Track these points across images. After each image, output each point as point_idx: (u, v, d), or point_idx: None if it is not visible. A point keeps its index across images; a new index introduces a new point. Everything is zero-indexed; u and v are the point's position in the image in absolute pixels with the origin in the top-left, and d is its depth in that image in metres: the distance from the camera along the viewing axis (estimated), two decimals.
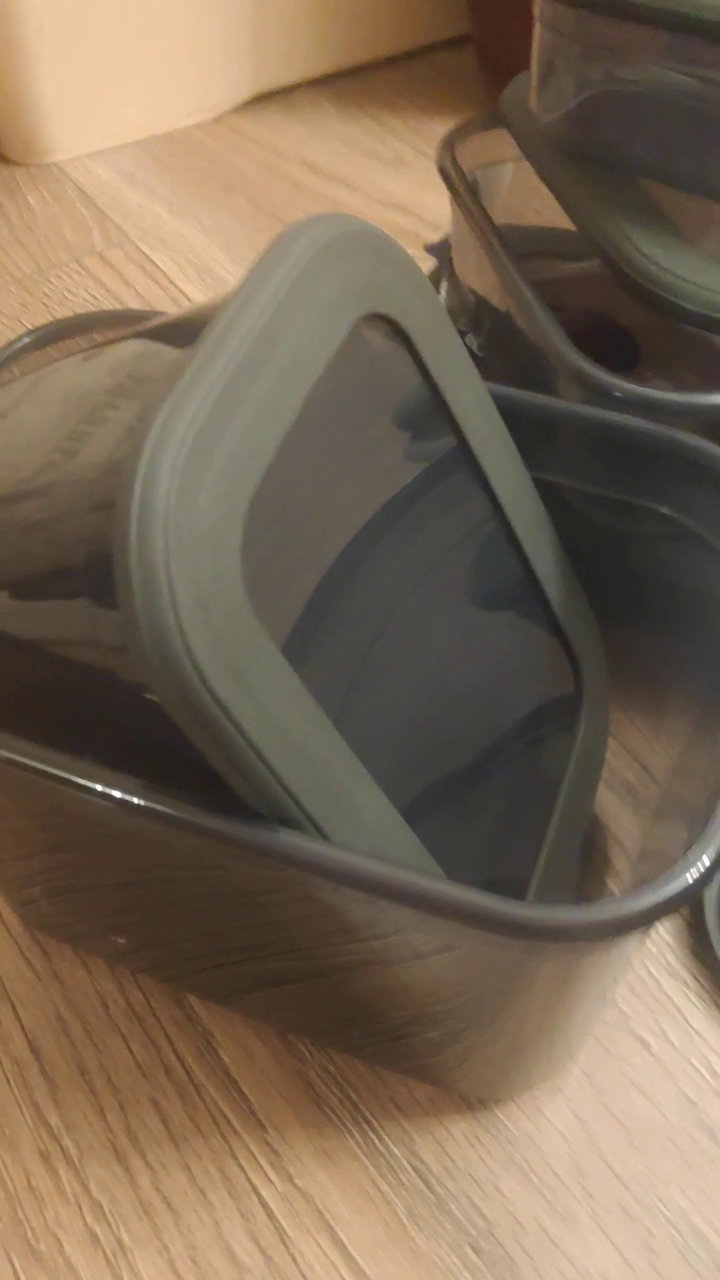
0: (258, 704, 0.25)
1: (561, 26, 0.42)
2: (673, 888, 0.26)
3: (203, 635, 0.24)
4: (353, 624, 0.31)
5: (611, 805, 0.45)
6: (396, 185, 0.80)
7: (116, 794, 0.28)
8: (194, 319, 0.34)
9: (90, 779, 0.28)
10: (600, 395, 0.38)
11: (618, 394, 0.38)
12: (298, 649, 0.28)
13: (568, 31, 0.41)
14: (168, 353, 0.33)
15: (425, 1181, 0.37)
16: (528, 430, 0.38)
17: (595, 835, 0.45)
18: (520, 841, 0.37)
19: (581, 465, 0.39)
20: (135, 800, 0.28)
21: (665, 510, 0.37)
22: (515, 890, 0.37)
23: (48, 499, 0.30)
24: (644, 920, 0.26)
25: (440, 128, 0.85)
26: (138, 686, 0.28)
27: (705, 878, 0.26)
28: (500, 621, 0.37)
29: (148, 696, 0.27)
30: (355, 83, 0.91)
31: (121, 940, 0.41)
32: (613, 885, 0.43)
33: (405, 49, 0.93)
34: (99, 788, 0.28)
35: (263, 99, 0.90)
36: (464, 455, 0.35)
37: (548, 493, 0.39)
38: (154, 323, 0.36)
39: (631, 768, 0.46)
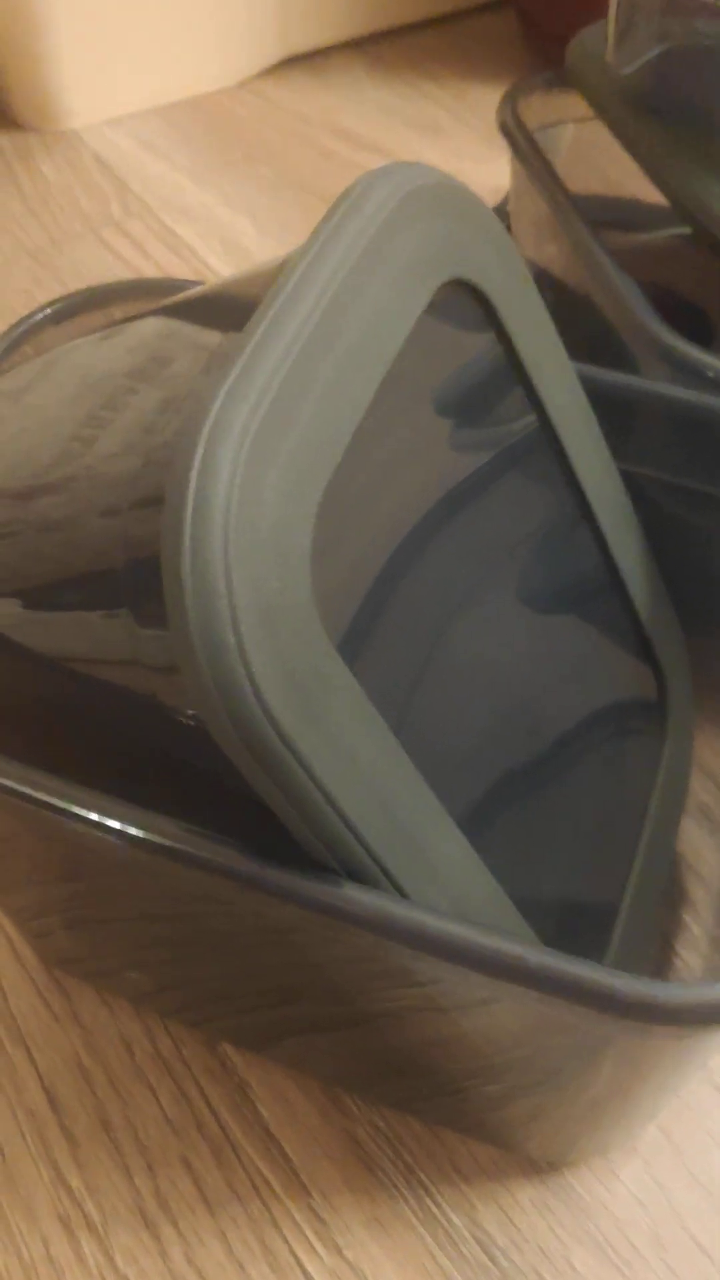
0: (329, 740, 0.21)
1: None
2: None
3: (267, 658, 0.20)
4: (420, 635, 0.27)
5: (687, 831, 0.41)
6: (434, 153, 0.75)
7: (157, 840, 0.24)
8: (239, 287, 0.30)
9: (123, 820, 0.24)
10: (691, 374, 0.34)
11: (710, 374, 0.33)
12: (362, 669, 0.24)
13: None
14: (198, 331, 0.29)
15: (489, 1254, 0.33)
16: (608, 414, 0.34)
17: (672, 867, 0.41)
18: (601, 877, 0.33)
19: (665, 452, 0.35)
20: (178, 846, 0.24)
21: None
22: (597, 932, 0.33)
23: (67, 494, 0.27)
24: None
25: (480, 94, 0.81)
26: (182, 713, 0.24)
27: None
28: (578, 625, 0.33)
29: (194, 724, 0.23)
30: (389, 46, 0.87)
31: (147, 979, 0.37)
32: (689, 920, 0.39)
33: (442, 11, 0.88)
34: (135, 832, 0.24)
35: (290, 63, 0.85)
36: (546, 438, 0.30)
37: (629, 484, 0.35)
38: (189, 293, 0.32)
39: (708, 790, 0.42)
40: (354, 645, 0.24)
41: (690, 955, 0.38)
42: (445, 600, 0.28)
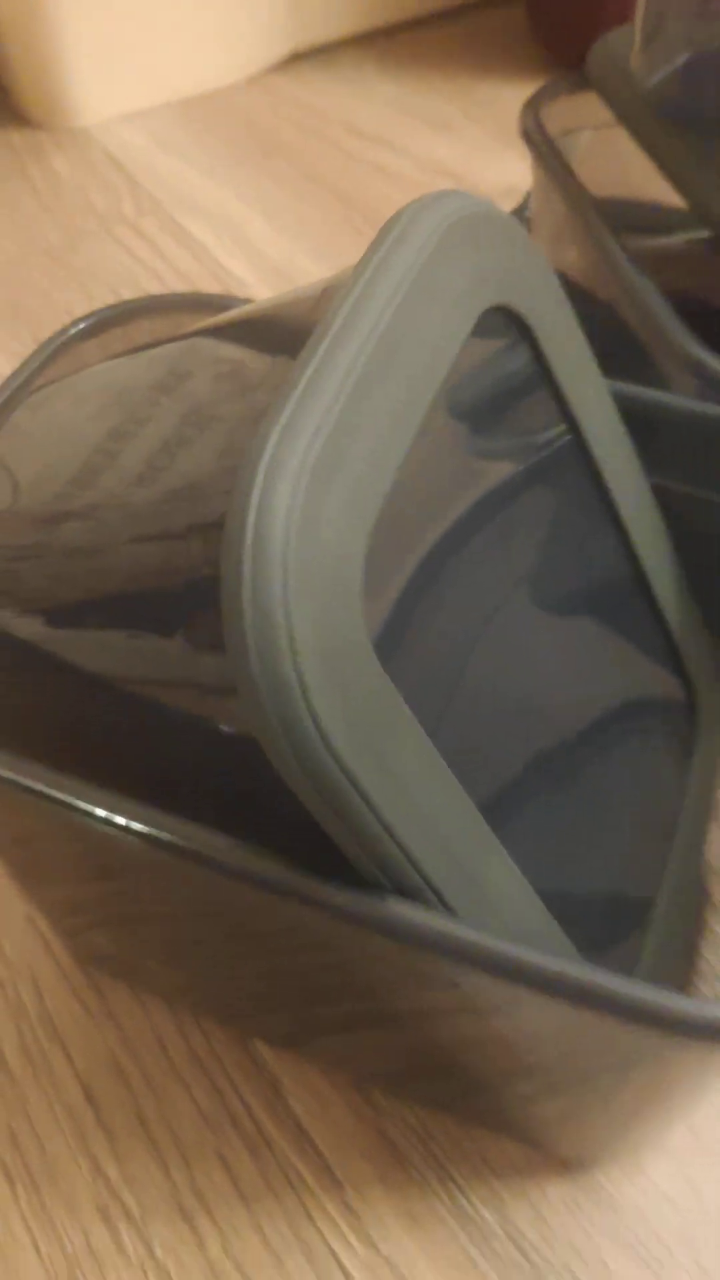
0: (388, 772, 0.22)
1: None
2: None
3: (327, 691, 0.20)
4: (456, 644, 0.27)
5: (713, 836, 0.42)
6: (445, 150, 0.76)
7: (213, 856, 0.24)
8: (281, 314, 0.30)
9: (172, 833, 0.25)
10: (717, 387, 0.34)
11: None
12: (398, 672, 0.24)
13: None
14: (251, 360, 0.29)
15: (521, 1250, 0.34)
16: (637, 428, 0.34)
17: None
18: (634, 885, 0.34)
19: (696, 467, 0.35)
20: (231, 864, 0.24)
21: None
22: (630, 940, 0.33)
23: (93, 521, 0.27)
24: None
25: (489, 89, 0.81)
26: (235, 734, 0.25)
27: None
28: (609, 636, 0.34)
29: (246, 746, 0.24)
30: (399, 41, 0.87)
31: (180, 976, 0.38)
32: (715, 925, 0.40)
33: (452, 5, 0.89)
34: (192, 847, 0.24)
35: (301, 58, 0.85)
36: (580, 455, 0.31)
37: (656, 497, 0.35)
38: (228, 319, 0.33)
39: None
40: (400, 664, 0.24)
41: (716, 959, 0.39)
42: (485, 617, 0.28)
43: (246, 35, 0.82)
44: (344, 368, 0.22)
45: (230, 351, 0.29)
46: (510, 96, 0.79)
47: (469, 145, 0.76)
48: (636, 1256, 0.34)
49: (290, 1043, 0.38)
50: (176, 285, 0.66)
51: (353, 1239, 0.35)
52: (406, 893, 0.23)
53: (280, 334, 0.28)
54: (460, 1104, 0.36)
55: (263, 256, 0.68)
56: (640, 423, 0.35)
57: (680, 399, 0.34)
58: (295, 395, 0.22)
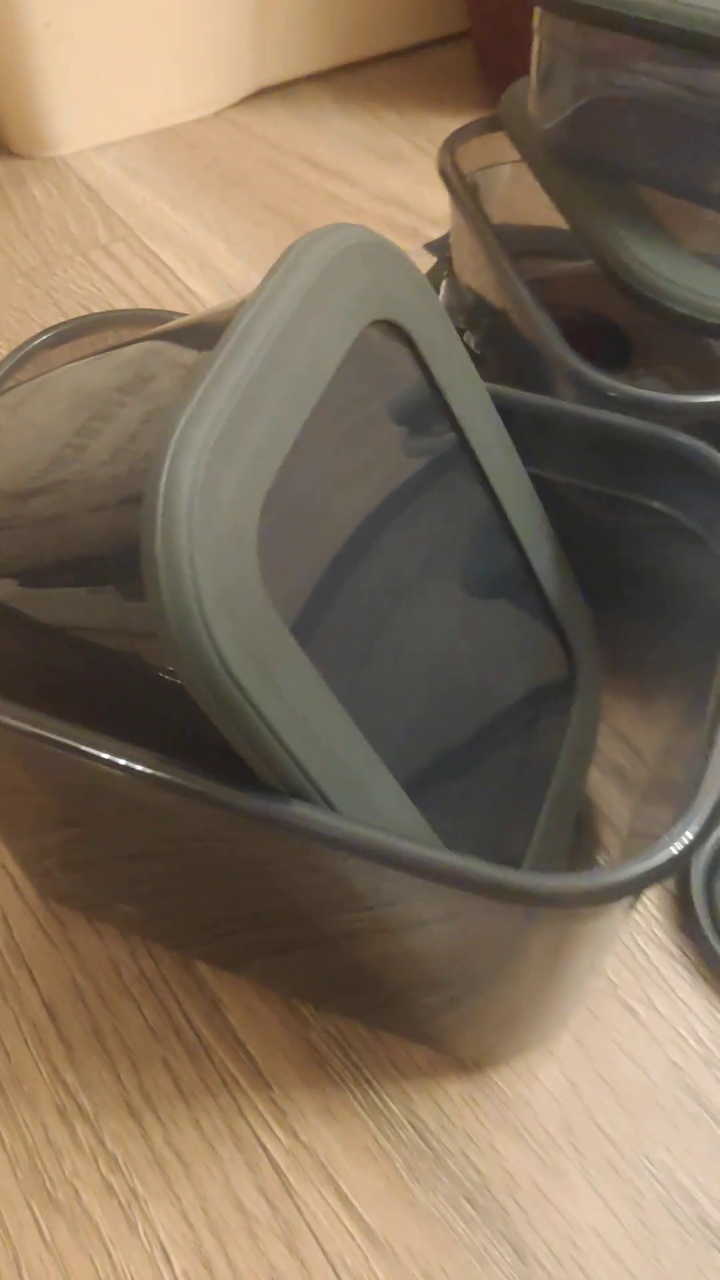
0: (277, 690, 0.27)
1: (560, 36, 0.43)
2: (657, 860, 0.28)
3: (226, 626, 0.26)
4: (359, 611, 0.33)
5: (603, 787, 0.47)
6: (395, 181, 0.81)
7: (139, 768, 0.29)
8: (205, 323, 0.36)
9: (113, 753, 0.30)
10: (595, 394, 0.40)
11: (612, 393, 0.39)
12: (307, 635, 0.30)
13: (566, 41, 0.43)
14: (178, 353, 0.35)
15: (424, 1138, 0.40)
16: (525, 428, 0.40)
17: (587, 815, 0.47)
18: (516, 820, 0.39)
19: (576, 462, 0.41)
20: (157, 774, 0.29)
21: (656, 505, 0.39)
22: (513, 858, 0.39)
23: (59, 495, 0.32)
24: (631, 889, 0.28)
25: (439, 123, 0.87)
26: (162, 671, 0.30)
27: (688, 851, 0.28)
28: (498, 610, 0.39)
29: (171, 680, 0.29)
30: (355, 78, 0.93)
31: (134, 909, 0.43)
32: (603, 863, 0.45)
33: (404, 45, 0.94)
34: (122, 761, 0.30)
35: (264, 94, 0.91)
36: (464, 452, 0.36)
37: (544, 488, 0.41)
38: (166, 325, 0.38)
39: (623, 751, 0.48)
40: (304, 619, 0.30)
41: None
42: (382, 584, 0.34)
43: (213, 73, 0.88)
44: (242, 366, 0.28)
45: (164, 350, 0.34)
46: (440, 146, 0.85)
47: (417, 176, 0.82)
48: (523, 1142, 0.39)
49: (229, 964, 0.43)
50: (145, 305, 0.71)
51: (277, 1130, 0.40)
52: (297, 794, 0.29)
53: (204, 336, 0.33)
54: (376, 1015, 0.41)
55: (224, 278, 0.74)
56: (528, 422, 0.40)
57: (560, 402, 0.40)
58: (201, 387, 0.27)
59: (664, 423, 0.39)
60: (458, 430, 0.36)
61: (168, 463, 0.26)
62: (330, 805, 0.29)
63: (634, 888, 0.28)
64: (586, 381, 0.39)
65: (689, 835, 0.29)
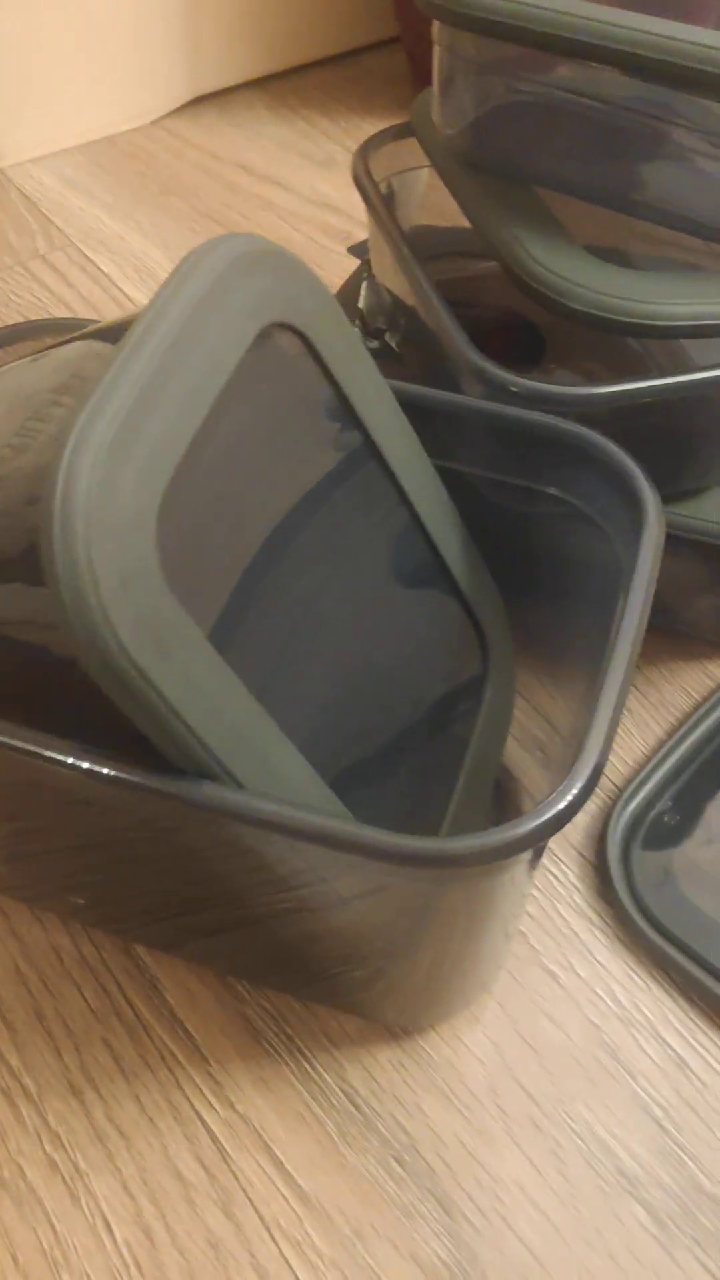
0: (177, 671, 0.29)
1: (457, 48, 0.45)
2: (544, 817, 0.30)
3: (124, 611, 0.27)
4: (276, 603, 0.34)
5: (524, 761, 0.49)
6: (328, 185, 0.83)
7: (49, 754, 0.31)
8: (121, 326, 0.37)
9: (19, 739, 0.31)
10: (498, 390, 0.42)
11: (513, 388, 0.41)
12: (225, 629, 0.31)
13: (463, 52, 0.45)
14: (107, 352, 0.36)
15: (354, 1104, 0.41)
16: (432, 423, 0.42)
17: (510, 789, 0.49)
18: (434, 791, 0.41)
19: (481, 454, 0.43)
20: (68, 759, 0.31)
21: (554, 491, 0.41)
22: (430, 832, 0.41)
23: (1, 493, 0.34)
24: (519, 847, 0.29)
25: (370, 128, 0.88)
26: (70, 660, 0.32)
27: (570, 809, 0.30)
28: (412, 598, 0.41)
29: (78, 667, 0.31)
30: (288, 84, 0.94)
31: (75, 898, 0.44)
32: None
33: (337, 51, 0.96)
34: (29, 747, 0.31)
35: (199, 102, 0.92)
36: (370, 449, 0.38)
37: (454, 479, 0.42)
38: (100, 324, 0.40)
39: (541, 726, 0.50)
40: (210, 606, 0.31)
41: None
42: (298, 578, 0.35)
43: (149, 83, 0.89)
44: (138, 369, 0.29)
45: (109, 353, 0.36)
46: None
47: (349, 180, 0.83)
48: (449, 1103, 0.41)
49: (166, 946, 0.45)
50: (84, 313, 0.73)
51: (214, 1102, 0.41)
52: (205, 773, 0.30)
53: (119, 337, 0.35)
54: (307, 989, 0.43)
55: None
56: (433, 417, 0.42)
57: (459, 397, 0.42)
58: (100, 390, 0.29)
59: (562, 414, 0.41)
60: (362, 429, 0.38)
61: (66, 457, 0.27)
62: (237, 782, 0.31)
63: (522, 845, 0.30)
64: (489, 377, 0.41)
65: (572, 793, 0.30)
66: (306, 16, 0.93)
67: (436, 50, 0.47)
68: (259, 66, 0.93)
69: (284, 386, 0.35)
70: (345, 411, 0.37)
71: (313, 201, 0.82)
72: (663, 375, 0.42)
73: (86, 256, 0.78)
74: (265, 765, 0.32)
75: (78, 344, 0.38)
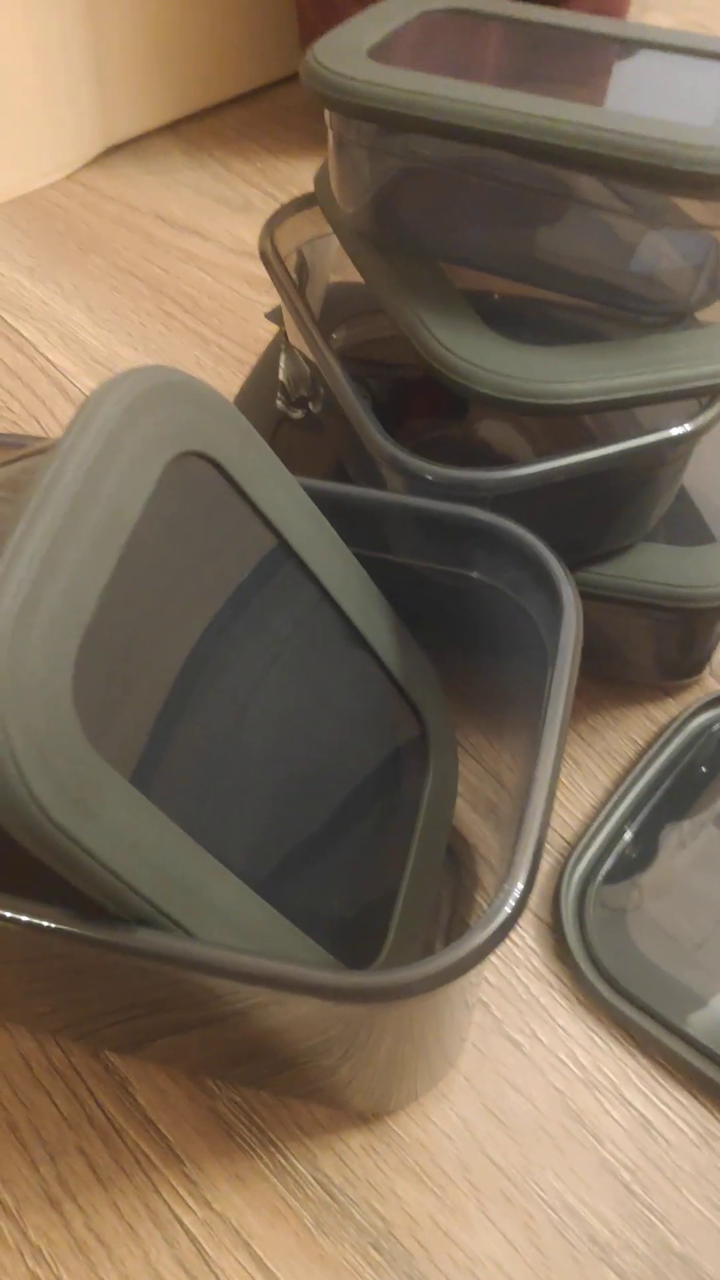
0: (102, 826, 0.29)
1: (347, 134, 0.45)
2: (479, 940, 0.30)
3: (42, 778, 0.28)
4: (201, 728, 0.35)
5: (476, 825, 0.50)
6: (247, 231, 0.83)
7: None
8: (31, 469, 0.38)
9: None
10: (413, 477, 0.42)
11: (429, 476, 0.42)
12: (149, 766, 0.32)
13: (354, 137, 0.45)
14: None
15: (329, 1192, 0.42)
16: (357, 517, 0.42)
17: (463, 854, 0.49)
18: (384, 876, 0.42)
19: (404, 543, 0.43)
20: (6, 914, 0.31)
21: (478, 576, 0.42)
22: (377, 928, 0.41)
23: None
24: (460, 970, 0.30)
25: (287, 167, 0.89)
26: None
27: (508, 924, 0.31)
28: (342, 691, 0.42)
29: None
30: (203, 126, 0.94)
31: (38, 1008, 0.45)
32: (481, 900, 0.48)
33: (250, 88, 0.96)
34: None
35: (114, 150, 0.92)
36: (288, 555, 0.39)
37: (383, 567, 0.43)
38: (12, 456, 0.40)
39: (493, 788, 0.51)
40: (132, 752, 0.31)
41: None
42: (224, 694, 0.36)
43: (61, 136, 0.89)
44: (40, 532, 0.29)
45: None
46: (306, 171, 0.87)
47: None
48: (421, 1183, 0.42)
49: (134, 1049, 0.45)
50: (5, 381, 0.73)
51: (191, 1202, 0.42)
52: (143, 920, 0.31)
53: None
54: (274, 1081, 0.44)
55: (85, 349, 0.75)
56: (357, 512, 0.42)
57: (375, 492, 0.42)
58: (5, 556, 0.29)
59: (481, 498, 0.41)
60: (278, 536, 0.38)
61: None
62: (174, 922, 0.31)
63: (462, 969, 0.30)
64: (402, 466, 0.42)
65: (508, 908, 0.31)
66: (215, 55, 0.93)
67: (330, 133, 0.47)
68: (171, 110, 0.93)
69: (196, 511, 0.35)
70: (260, 523, 0.38)
71: (233, 250, 0.82)
72: (579, 448, 0.42)
73: (8, 323, 0.78)
74: (201, 899, 0.32)
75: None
